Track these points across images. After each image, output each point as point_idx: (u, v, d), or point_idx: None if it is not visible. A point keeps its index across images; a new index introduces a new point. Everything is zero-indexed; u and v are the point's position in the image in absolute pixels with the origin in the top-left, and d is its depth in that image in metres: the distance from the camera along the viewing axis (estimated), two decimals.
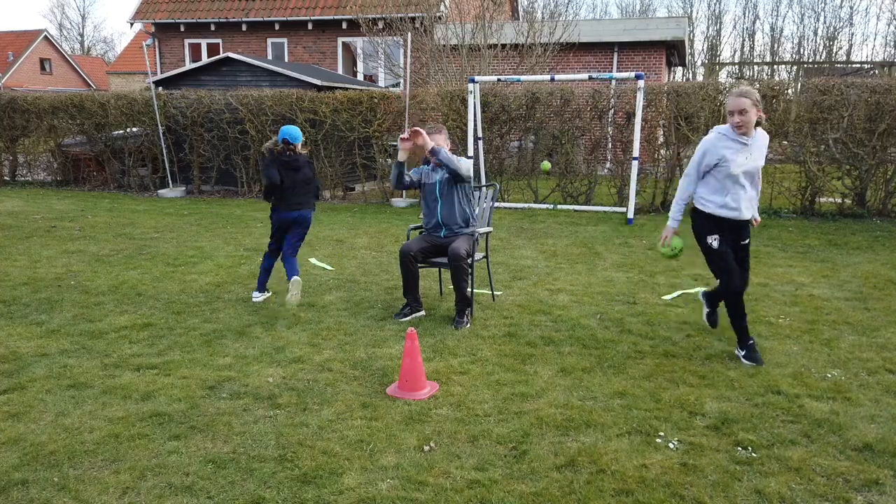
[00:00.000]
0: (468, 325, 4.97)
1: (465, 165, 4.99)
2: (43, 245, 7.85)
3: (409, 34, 12.46)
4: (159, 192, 12.67)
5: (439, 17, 16.13)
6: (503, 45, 14.59)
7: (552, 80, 10.38)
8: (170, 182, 12.76)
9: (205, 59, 14.45)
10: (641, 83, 9.41)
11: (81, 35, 56.34)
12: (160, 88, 12.99)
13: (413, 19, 15.30)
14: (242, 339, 4.70)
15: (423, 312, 5.19)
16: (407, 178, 5.23)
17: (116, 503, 2.75)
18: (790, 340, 4.65)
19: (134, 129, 12.93)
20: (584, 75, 10.67)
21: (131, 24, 20.00)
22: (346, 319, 5.15)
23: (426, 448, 3.19)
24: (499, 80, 10.49)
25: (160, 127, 12.38)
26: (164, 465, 3.04)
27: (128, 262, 7.01)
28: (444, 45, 14.65)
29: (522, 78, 10.51)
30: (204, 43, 19.77)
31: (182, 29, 19.60)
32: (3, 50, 40.34)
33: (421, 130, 4.94)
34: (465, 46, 14.41)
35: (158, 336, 4.77)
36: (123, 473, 2.96)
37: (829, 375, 4.05)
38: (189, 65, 14.67)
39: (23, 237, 8.30)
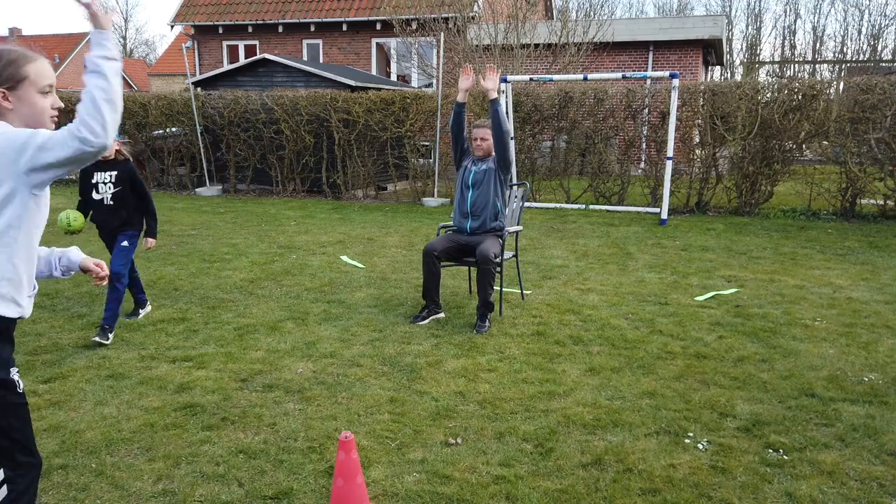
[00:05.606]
0: (488, 329, 4.85)
1: (508, 129, 5.10)
2: (85, 241, 8.07)
3: (442, 34, 12.49)
4: (197, 190, 12.94)
5: (472, 18, 16.14)
6: (536, 45, 14.53)
7: (585, 79, 10.30)
8: (207, 181, 13.02)
9: (242, 60, 14.69)
10: (676, 82, 9.30)
11: (124, 38, 57.61)
12: (199, 89, 13.26)
13: (446, 20, 15.34)
14: (274, 333, 4.79)
15: (442, 314, 5.12)
16: (464, 120, 5.24)
17: (151, 489, 2.83)
18: (826, 343, 4.56)
19: (173, 129, 13.23)
20: (618, 74, 10.57)
21: (171, 27, 20.47)
22: (375, 316, 5.20)
23: (452, 442, 3.21)
24: (531, 79, 10.45)
25: (198, 127, 12.64)
26: (197, 454, 3.11)
27: (165, 259, 7.18)
28: (477, 46, 14.66)
29: (555, 77, 10.46)
30: (241, 44, 20.11)
31: (220, 31, 19.96)
32: (49, 52, 41.58)
33: (496, 69, 5.06)
34: (498, 46, 14.40)
35: (193, 330, 4.88)
36: (158, 461, 3.04)
37: (866, 379, 3.95)
38: (227, 66, 14.93)
39: (64, 234, 8.53)
